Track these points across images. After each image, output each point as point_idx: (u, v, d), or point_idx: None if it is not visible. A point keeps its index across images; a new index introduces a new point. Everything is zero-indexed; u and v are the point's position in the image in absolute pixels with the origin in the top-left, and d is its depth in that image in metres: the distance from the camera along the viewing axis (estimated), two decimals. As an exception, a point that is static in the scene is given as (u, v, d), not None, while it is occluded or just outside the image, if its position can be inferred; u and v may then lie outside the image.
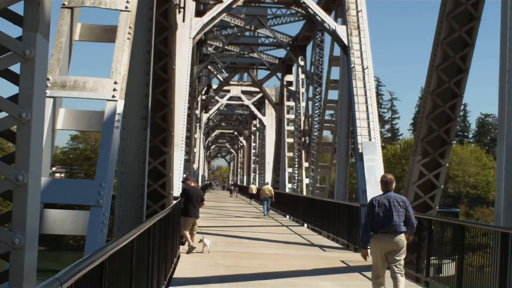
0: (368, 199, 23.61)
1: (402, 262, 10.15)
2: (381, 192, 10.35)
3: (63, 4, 11.10)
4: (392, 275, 10.10)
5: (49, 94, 10.26)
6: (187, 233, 16.92)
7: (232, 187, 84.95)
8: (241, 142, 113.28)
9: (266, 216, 36.21)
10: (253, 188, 56.60)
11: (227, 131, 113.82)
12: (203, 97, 65.32)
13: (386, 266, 10.21)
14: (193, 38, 30.94)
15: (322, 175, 46.65)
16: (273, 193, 38.26)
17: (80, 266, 4.46)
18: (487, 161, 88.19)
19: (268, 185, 41.97)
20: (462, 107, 78.44)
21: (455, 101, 18.19)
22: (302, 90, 54.61)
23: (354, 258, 17.53)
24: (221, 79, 64.89)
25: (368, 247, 10.32)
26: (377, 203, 10.16)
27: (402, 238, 10.03)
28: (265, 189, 38.90)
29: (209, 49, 55.82)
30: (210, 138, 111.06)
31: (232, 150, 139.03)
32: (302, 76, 54.08)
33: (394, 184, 10.30)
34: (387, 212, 10.01)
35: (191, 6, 30.55)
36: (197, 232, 17.68)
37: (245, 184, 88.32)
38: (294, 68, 57.76)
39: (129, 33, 11.35)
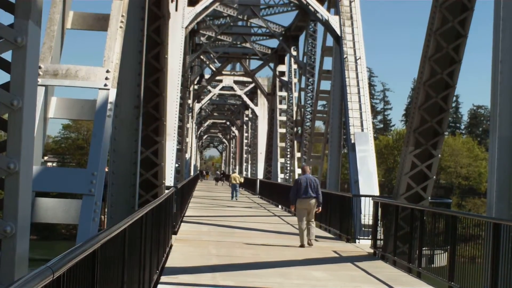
0: (361, 189, 24.16)
1: (313, 217, 17.14)
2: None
3: (55, -8, 11.01)
4: (307, 224, 16.98)
5: (41, 83, 10.21)
6: None
7: (220, 177, 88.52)
8: (233, 132, 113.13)
9: (257, 205, 36.29)
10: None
11: (220, 121, 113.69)
12: (196, 87, 65.22)
13: (305, 217, 16.93)
14: (186, 27, 30.85)
15: (315, 166, 46.67)
16: (240, 179, 44.47)
17: (72, 254, 4.43)
18: (479, 152, 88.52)
19: (235, 173, 48.21)
20: (454, 98, 78.40)
21: (448, 92, 18.16)
22: (295, 80, 54.57)
23: (346, 248, 17.56)
24: (214, 69, 64.77)
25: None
26: (300, 180, 17.17)
27: (314, 201, 16.99)
28: (233, 177, 44.19)
29: (202, 38, 55.68)
30: (202, 128, 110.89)
31: (224, 140, 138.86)
32: (294, 66, 54.00)
33: (309, 171, 18.01)
34: (306, 185, 16.96)
35: (184, -5, 30.44)
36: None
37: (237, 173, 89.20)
38: (286, 58, 57.69)
39: (121, 21, 11.30)
